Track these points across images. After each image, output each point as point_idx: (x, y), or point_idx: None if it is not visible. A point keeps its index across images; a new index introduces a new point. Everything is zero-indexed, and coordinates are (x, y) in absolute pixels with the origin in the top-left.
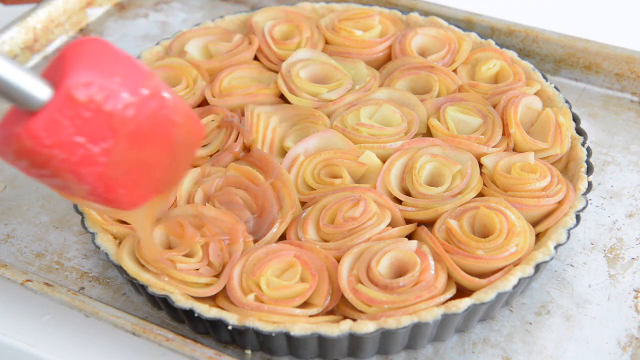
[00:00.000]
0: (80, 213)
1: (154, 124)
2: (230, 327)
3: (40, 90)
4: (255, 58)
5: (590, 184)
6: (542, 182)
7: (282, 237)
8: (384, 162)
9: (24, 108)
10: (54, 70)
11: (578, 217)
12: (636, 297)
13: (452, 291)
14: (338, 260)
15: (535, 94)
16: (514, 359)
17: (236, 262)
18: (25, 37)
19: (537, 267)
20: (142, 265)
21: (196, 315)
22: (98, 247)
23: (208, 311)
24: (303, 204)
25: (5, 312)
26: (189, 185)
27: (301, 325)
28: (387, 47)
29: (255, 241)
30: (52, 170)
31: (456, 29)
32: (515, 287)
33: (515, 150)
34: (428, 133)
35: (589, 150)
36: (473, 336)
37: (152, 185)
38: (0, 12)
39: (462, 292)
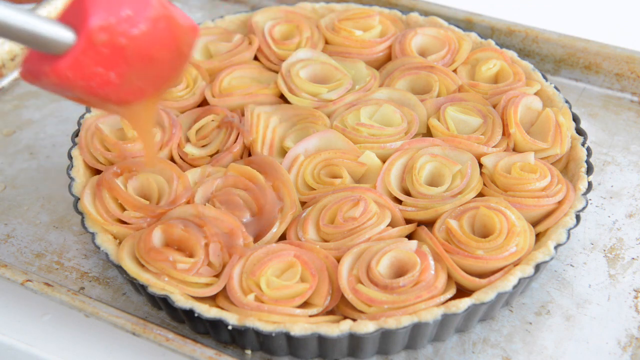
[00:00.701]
0: (80, 213)
1: (161, 42)
2: (230, 327)
3: (64, 37)
4: (255, 58)
5: (590, 184)
6: (542, 182)
7: (282, 237)
8: (384, 162)
9: (51, 52)
10: (72, 13)
11: (578, 217)
12: (636, 297)
13: (452, 291)
14: (338, 260)
15: (535, 94)
16: (514, 359)
17: (236, 262)
18: None
19: (537, 267)
20: (142, 265)
21: (196, 315)
22: (98, 247)
23: (208, 311)
24: (303, 204)
25: (5, 312)
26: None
27: (301, 325)
28: (387, 47)
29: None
30: (73, 92)
31: (456, 29)
32: (515, 287)
33: (515, 150)
34: (428, 133)
35: (589, 150)
36: (473, 336)
37: (158, 82)
38: None
39: (462, 292)
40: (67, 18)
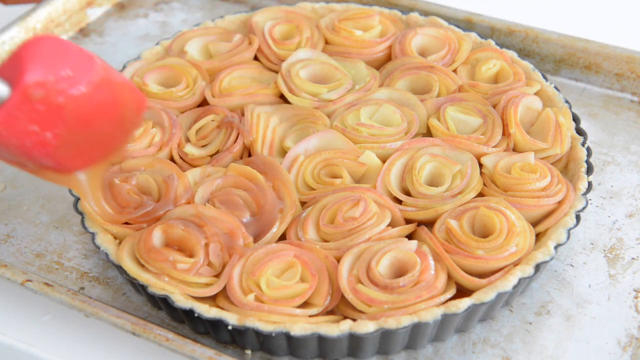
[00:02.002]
0: (81, 213)
1: (102, 108)
2: (230, 327)
3: None
4: (255, 58)
5: (590, 184)
6: (542, 182)
7: (282, 237)
8: (384, 162)
9: None
10: (10, 68)
11: (578, 217)
12: (636, 297)
13: (452, 291)
14: (338, 260)
15: (535, 94)
16: (514, 359)
17: (236, 262)
18: (25, 37)
19: (537, 267)
20: (142, 265)
21: (196, 315)
22: (98, 247)
23: (208, 311)
24: (303, 204)
25: (5, 312)
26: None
27: (301, 325)
28: (387, 47)
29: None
30: (7, 151)
31: (456, 29)
32: (515, 287)
33: (515, 150)
34: (428, 133)
35: (589, 150)
36: (473, 336)
37: (99, 153)
38: (0, 12)
39: (462, 292)
40: (5, 73)
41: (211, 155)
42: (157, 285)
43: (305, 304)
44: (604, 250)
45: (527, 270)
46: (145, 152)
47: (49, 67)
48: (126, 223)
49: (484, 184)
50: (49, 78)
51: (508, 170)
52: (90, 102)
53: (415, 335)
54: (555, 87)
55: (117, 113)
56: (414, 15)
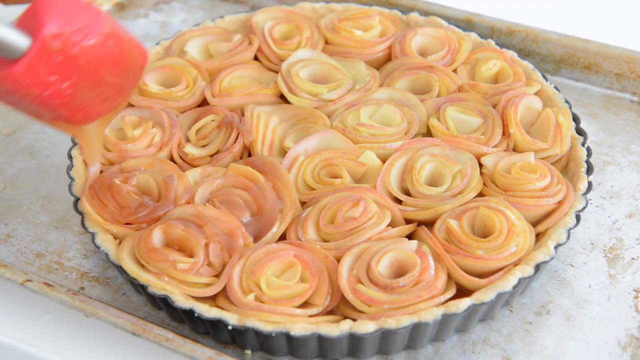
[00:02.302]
0: (80, 213)
1: (111, 58)
2: (230, 327)
3: (19, 42)
4: (255, 58)
5: (590, 184)
6: (542, 182)
7: (282, 237)
8: (384, 162)
9: (6, 56)
10: (28, 21)
11: (578, 217)
12: (636, 297)
13: (452, 291)
14: (338, 260)
15: (535, 94)
16: (514, 359)
17: (236, 262)
18: None
19: (537, 267)
20: (142, 265)
21: (196, 315)
22: (98, 247)
23: (208, 311)
24: (303, 204)
25: (5, 312)
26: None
27: (301, 325)
28: (387, 47)
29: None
30: (25, 101)
31: (456, 29)
32: (515, 287)
33: (515, 150)
34: (428, 133)
35: (589, 150)
36: (473, 336)
37: (107, 103)
38: (0, 12)
39: (462, 292)
40: (23, 25)
41: (211, 155)
42: (157, 285)
43: (305, 304)
44: (604, 250)
45: (527, 270)
46: (145, 152)
47: (64, 20)
48: (126, 223)
49: (484, 184)
50: (65, 29)
51: (508, 170)
52: (100, 52)
53: (415, 335)
54: (555, 87)
55: (123, 64)
56: (414, 15)
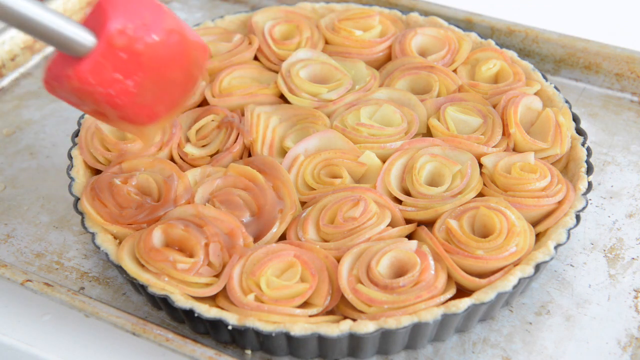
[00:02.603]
0: (81, 213)
1: (174, 55)
2: (230, 327)
3: (86, 39)
4: (255, 58)
5: (590, 184)
6: (542, 182)
7: (282, 237)
8: (384, 162)
9: (73, 54)
10: (93, 19)
11: (578, 217)
12: (636, 297)
13: (452, 291)
14: (338, 260)
15: (535, 94)
16: (514, 359)
17: (236, 262)
18: (25, 37)
19: (537, 267)
20: (142, 265)
21: (196, 315)
22: (98, 247)
23: (208, 311)
24: (303, 204)
25: (5, 312)
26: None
27: (301, 325)
28: (387, 47)
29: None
30: (92, 100)
31: (456, 29)
32: (515, 287)
33: (515, 150)
34: (428, 133)
35: (589, 150)
36: (473, 336)
37: (170, 102)
38: None
39: (462, 292)
40: (89, 24)
41: (211, 155)
42: (157, 285)
43: (305, 304)
44: (604, 250)
45: (527, 270)
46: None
47: (127, 16)
48: (126, 223)
49: (484, 184)
50: (129, 25)
51: (508, 170)
52: (164, 49)
53: (415, 335)
54: (555, 87)
55: (185, 60)
56: (414, 15)
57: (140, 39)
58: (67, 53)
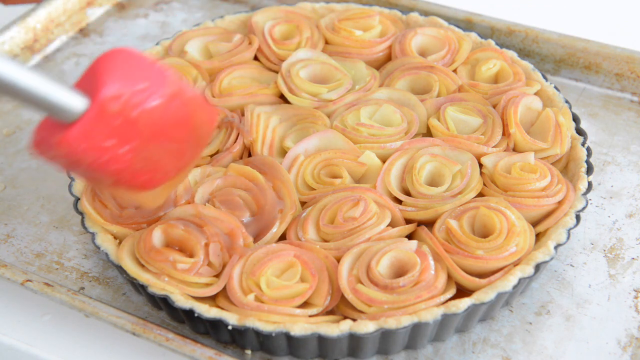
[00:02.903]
0: (81, 213)
1: (175, 121)
2: (230, 327)
3: (76, 105)
4: (255, 58)
5: (590, 184)
6: (542, 182)
7: (282, 237)
8: (384, 162)
9: (62, 119)
10: (86, 82)
11: (578, 217)
12: (636, 297)
13: (452, 291)
14: (338, 260)
15: (535, 94)
16: (514, 359)
17: (236, 262)
18: (25, 37)
19: (537, 267)
20: (142, 265)
21: (196, 315)
22: (98, 247)
23: (208, 311)
24: (303, 204)
25: (5, 312)
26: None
27: (301, 325)
28: (387, 47)
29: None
30: (82, 167)
31: (456, 29)
32: (515, 287)
33: (515, 150)
34: (428, 133)
35: (589, 150)
36: (473, 336)
37: (171, 168)
38: (0, 12)
39: (462, 292)
40: (82, 85)
41: (211, 155)
42: (157, 285)
43: (305, 304)
44: (604, 250)
45: (527, 270)
46: None
47: (124, 80)
48: (126, 223)
49: (484, 184)
50: (125, 91)
51: (508, 170)
52: (163, 115)
53: (415, 335)
54: (555, 87)
55: (189, 126)
56: (414, 15)
57: (136, 105)
58: (56, 118)
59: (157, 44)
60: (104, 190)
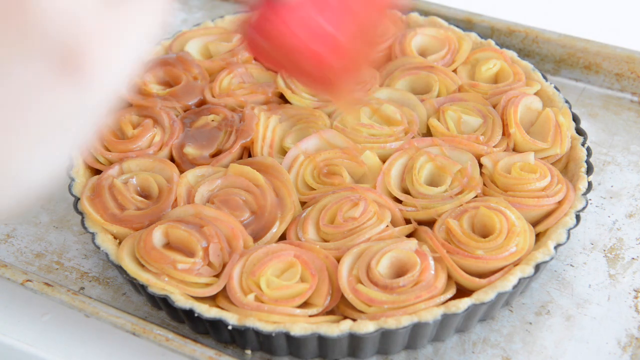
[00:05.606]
0: (80, 213)
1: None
2: (230, 327)
3: None
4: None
5: (590, 184)
6: (542, 182)
7: (282, 237)
8: (384, 162)
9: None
10: None
11: (578, 217)
12: (636, 297)
13: (452, 291)
14: (338, 260)
15: (535, 94)
16: (514, 359)
17: (236, 262)
18: None
19: (537, 267)
20: (142, 265)
21: (196, 315)
22: (98, 247)
23: (208, 311)
24: (303, 204)
25: (5, 312)
26: (189, 185)
27: (301, 325)
28: (387, 47)
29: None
30: (296, 50)
31: (456, 29)
32: (515, 287)
33: (515, 150)
34: (428, 133)
35: (589, 150)
36: (473, 336)
37: (366, 50)
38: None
39: (462, 292)
40: None
41: (211, 156)
42: (157, 285)
43: (305, 304)
44: (604, 250)
45: (527, 270)
46: (145, 152)
47: None
48: (126, 223)
49: (484, 184)
50: None
51: (508, 170)
52: None
53: (415, 335)
54: (555, 87)
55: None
56: (414, 15)
57: None
58: None
59: (157, 44)
60: (304, 81)
